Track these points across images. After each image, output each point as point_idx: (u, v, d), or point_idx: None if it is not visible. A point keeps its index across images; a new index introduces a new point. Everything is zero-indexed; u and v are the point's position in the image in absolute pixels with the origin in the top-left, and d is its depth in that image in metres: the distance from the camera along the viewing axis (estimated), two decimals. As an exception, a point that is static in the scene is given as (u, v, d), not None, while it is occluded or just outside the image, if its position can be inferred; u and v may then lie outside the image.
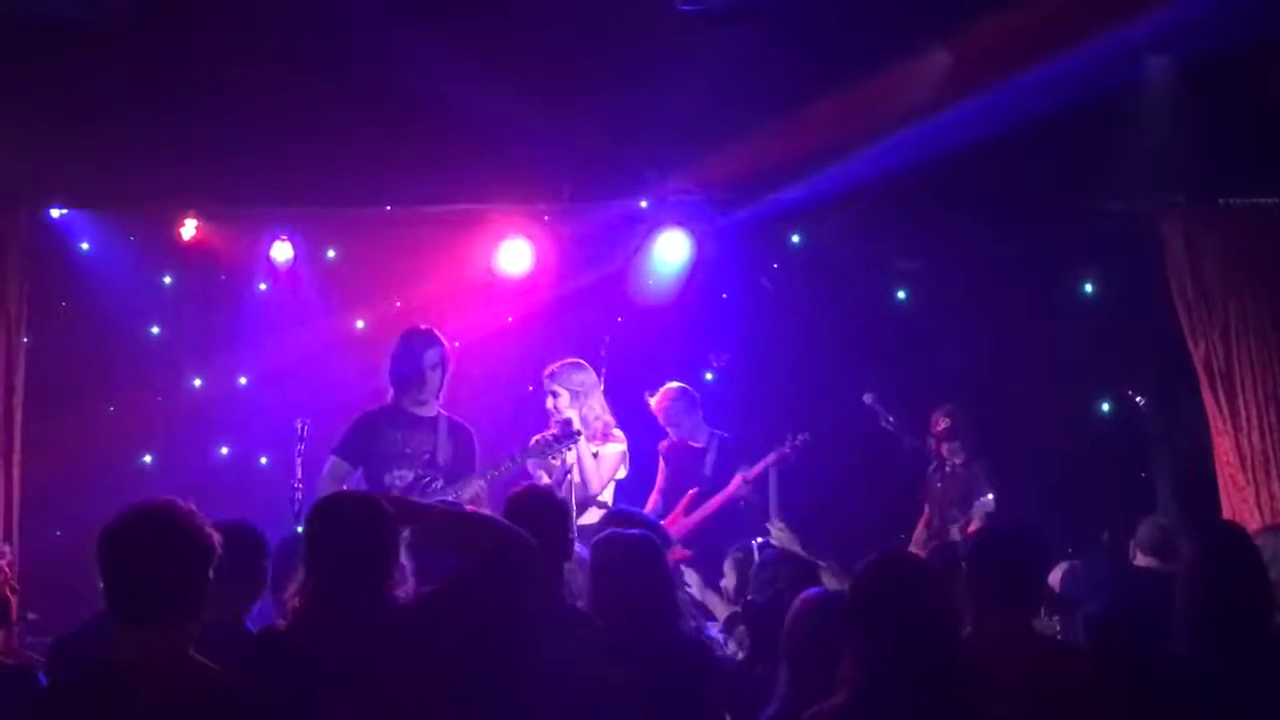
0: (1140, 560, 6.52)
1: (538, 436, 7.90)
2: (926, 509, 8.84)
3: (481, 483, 7.36)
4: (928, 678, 3.55)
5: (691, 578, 6.68)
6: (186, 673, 3.47)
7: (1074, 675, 4.14)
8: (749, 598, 5.66)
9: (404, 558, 4.18)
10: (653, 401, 8.75)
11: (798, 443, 8.61)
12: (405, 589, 4.07)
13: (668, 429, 8.74)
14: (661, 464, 8.79)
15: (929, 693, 3.54)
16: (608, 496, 7.94)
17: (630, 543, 4.99)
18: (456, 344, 7.84)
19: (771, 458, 8.61)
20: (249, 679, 3.71)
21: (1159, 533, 6.53)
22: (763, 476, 8.60)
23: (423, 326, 7.77)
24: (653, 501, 8.56)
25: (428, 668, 3.82)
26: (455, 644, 3.87)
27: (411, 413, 7.54)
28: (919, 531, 8.78)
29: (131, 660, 3.45)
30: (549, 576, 4.71)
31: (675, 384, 8.82)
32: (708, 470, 8.60)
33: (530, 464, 7.68)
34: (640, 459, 8.46)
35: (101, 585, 3.51)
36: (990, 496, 8.45)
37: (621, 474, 8.08)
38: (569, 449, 7.57)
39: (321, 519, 4.01)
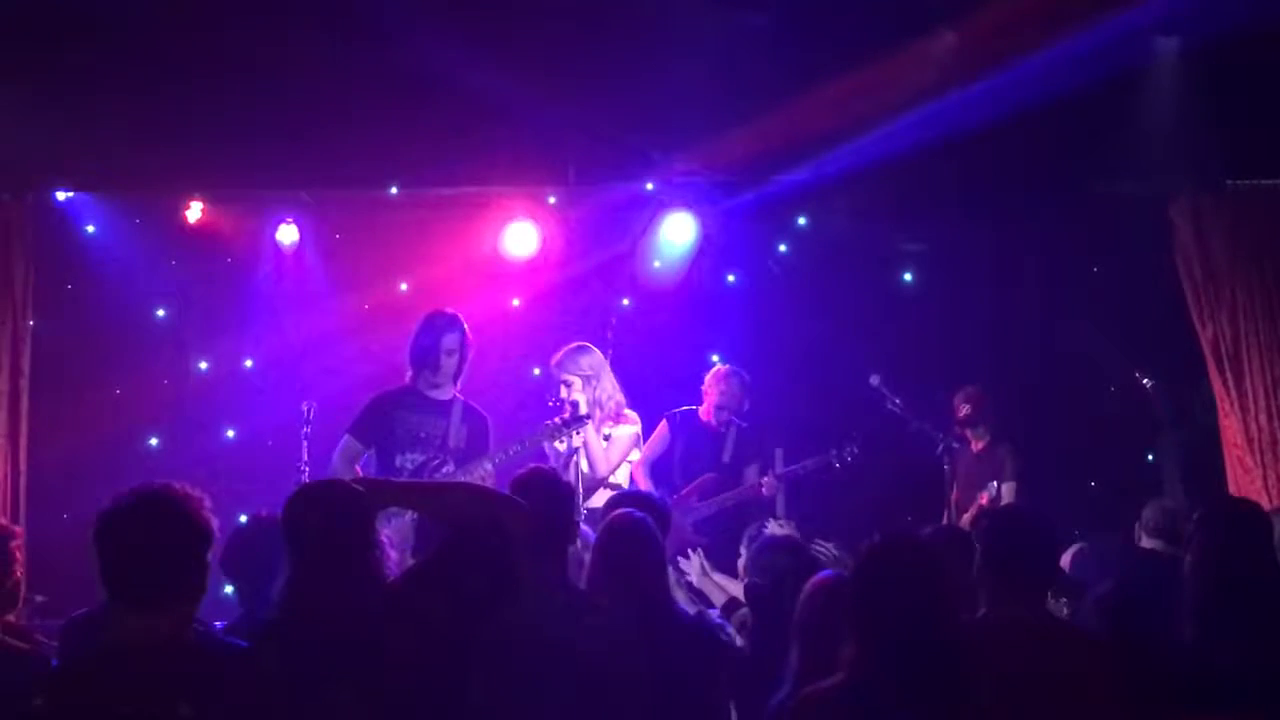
0: (1146, 543, 6.52)
1: (549, 422, 7.88)
2: (955, 492, 8.76)
3: (489, 466, 7.36)
4: (925, 660, 3.56)
5: (693, 563, 6.67)
6: (186, 655, 3.47)
7: (1087, 657, 4.14)
8: (749, 581, 5.67)
9: (384, 536, 4.17)
10: (710, 376, 8.51)
11: (847, 458, 8.39)
12: (390, 565, 4.05)
13: (720, 409, 8.37)
14: (666, 432, 8.42)
15: (926, 675, 3.55)
16: (621, 478, 7.89)
17: (631, 525, 4.98)
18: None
19: (810, 464, 8.44)
20: (248, 662, 3.72)
21: (1164, 515, 6.53)
22: (770, 463, 8.53)
23: (448, 310, 7.74)
24: (640, 476, 8.16)
25: (420, 642, 3.81)
26: (447, 616, 3.86)
27: (427, 396, 7.54)
28: (947, 520, 8.71)
29: (130, 643, 3.46)
30: (553, 558, 4.71)
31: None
32: (726, 457, 8.43)
33: (541, 447, 7.64)
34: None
35: (99, 568, 3.51)
36: (994, 483, 8.44)
37: (635, 456, 8.00)
38: (576, 433, 7.54)
39: (292, 511, 4.01)
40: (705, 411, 8.47)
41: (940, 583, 3.69)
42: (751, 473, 8.45)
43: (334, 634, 3.75)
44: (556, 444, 7.59)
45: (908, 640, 3.56)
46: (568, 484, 5.61)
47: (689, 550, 6.68)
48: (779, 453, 8.68)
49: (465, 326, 7.61)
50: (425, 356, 7.53)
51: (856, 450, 8.41)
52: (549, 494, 4.81)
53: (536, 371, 9.27)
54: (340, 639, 3.74)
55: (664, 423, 8.44)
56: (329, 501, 4.00)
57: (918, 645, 3.56)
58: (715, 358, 9.28)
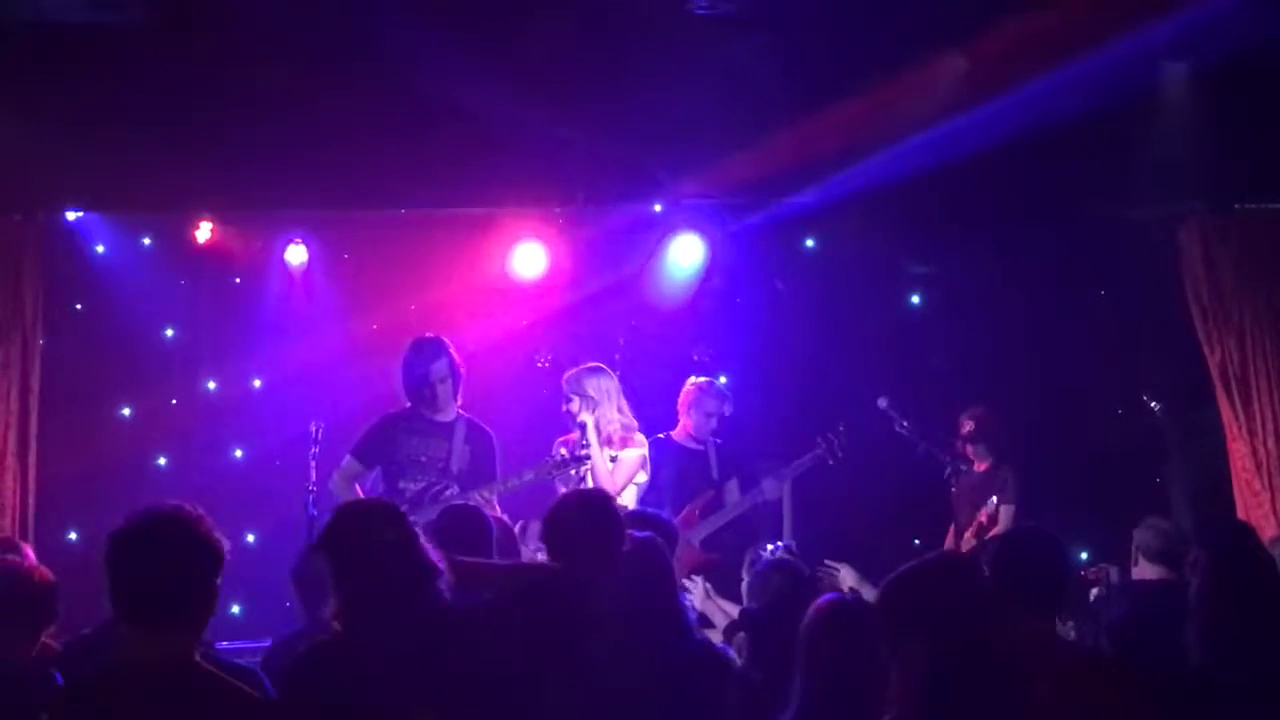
0: (1144, 566, 6.45)
1: (561, 439, 7.86)
2: (957, 513, 8.74)
3: (490, 495, 7.35)
4: (982, 688, 3.50)
5: (696, 587, 6.64)
6: (195, 676, 3.48)
7: (1098, 680, 4.13)
8: (744, 606, 5.66)
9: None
10: (693, 394, 8.46)
11: (838, 451, 8.42)
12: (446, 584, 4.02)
13: (709, 417, 8.36)
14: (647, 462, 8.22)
15: (985, 703, 3.49)
16: (629, 499, 7.87)
17: (639, 545, 4.97)
18: (470, 348, 7.82)
19: (806, 461, 8.47)
20: (258, 684, 3.72)
21: (1162, 538, 6.48)
22: (752, 475, 8.52)
23: (429, 335, 7.76)
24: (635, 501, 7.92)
25: (486, 675, 3.81)
26: (518, 651, 3.86)
27: (429, 419, 7.57)
28: (949, 541, 8.69)
29: (140, 664, 3.46)
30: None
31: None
32: (715, 474, 8.45)
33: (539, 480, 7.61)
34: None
35: (109, 588, 3.52)
36: (994, 499, 8.45)
37: (641, 478, 7.94)
38: (575, 470, 7.52)
39: (342, 531, 3.99)
40: (681, 433, 8.45)
41: (984, 604, 3.64)
42: (732, 487, 8.44)
43: (398, 655, 3.75)
44: (565, 474, 7.56)
45: (964, 666, 3.49)
46: (613, 514, 5.41)
47: (692, 575, 6.67)
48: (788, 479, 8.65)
49: (450, 349, 7.64)
50: (419, 389, 7.58)
51: (844, 435, 8.44)
52: (590, 523, 4.72)
53: (545, 392, 9.26)
54: (403, 660, 3.74)
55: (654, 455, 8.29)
56: (379, 523, 3.98)
57: (976, 670, 3.49)
58: (722, 379, 9.27)
